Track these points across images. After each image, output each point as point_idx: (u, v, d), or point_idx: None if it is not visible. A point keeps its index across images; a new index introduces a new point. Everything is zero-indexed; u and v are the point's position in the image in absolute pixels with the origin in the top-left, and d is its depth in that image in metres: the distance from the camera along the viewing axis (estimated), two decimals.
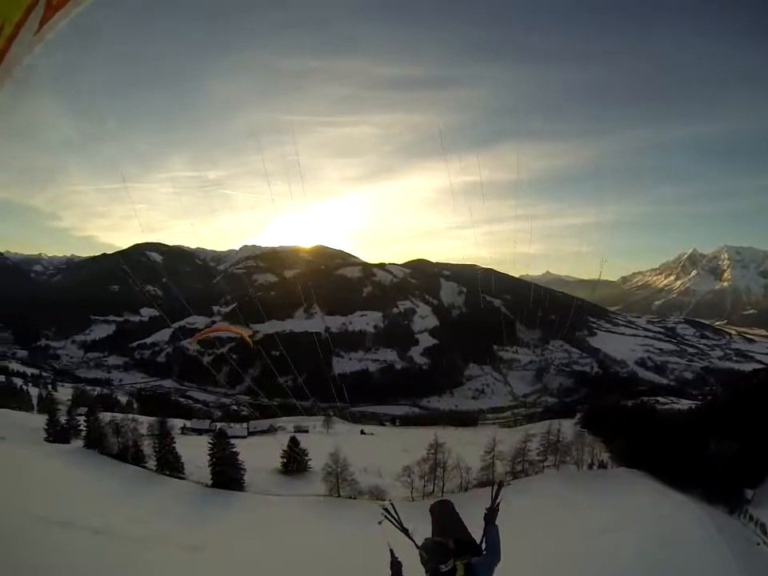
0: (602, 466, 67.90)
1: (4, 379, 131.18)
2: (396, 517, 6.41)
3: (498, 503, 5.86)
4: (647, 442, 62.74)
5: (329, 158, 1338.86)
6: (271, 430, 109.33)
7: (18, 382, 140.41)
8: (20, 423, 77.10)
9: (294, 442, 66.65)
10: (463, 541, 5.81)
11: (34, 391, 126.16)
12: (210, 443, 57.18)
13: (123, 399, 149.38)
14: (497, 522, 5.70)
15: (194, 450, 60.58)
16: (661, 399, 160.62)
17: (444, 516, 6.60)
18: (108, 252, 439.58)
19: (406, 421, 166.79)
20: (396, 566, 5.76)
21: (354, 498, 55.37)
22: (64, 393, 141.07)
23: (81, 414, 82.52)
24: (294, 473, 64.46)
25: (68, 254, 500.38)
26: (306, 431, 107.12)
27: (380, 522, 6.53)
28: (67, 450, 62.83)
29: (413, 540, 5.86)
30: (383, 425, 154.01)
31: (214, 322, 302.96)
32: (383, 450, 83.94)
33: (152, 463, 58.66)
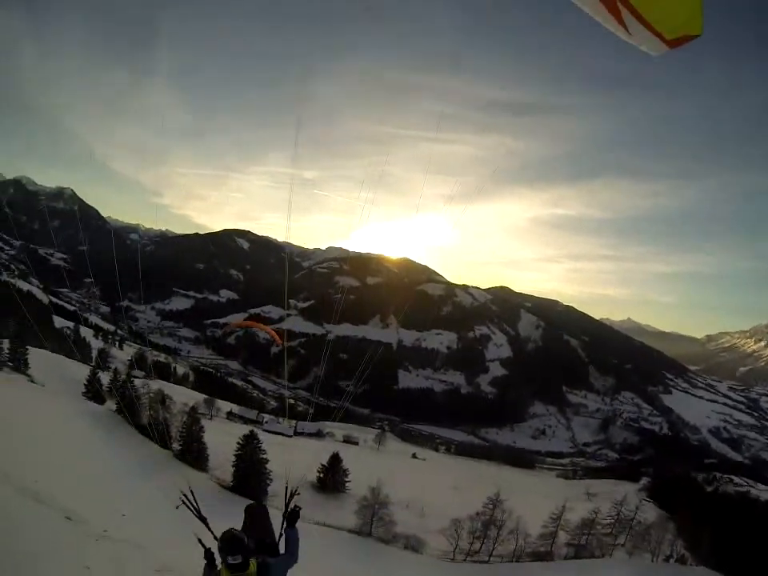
0: (681, 560, 55.79)
1: (72, 326, 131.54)
2: (195, 505, 6.20)
3: (297, 509, 6.01)
4: (731, 537, 52.70)
5: (423, 173, 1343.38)
6: (319, 435, 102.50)
7: (89, 333, 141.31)
8: (69, 373, 74.52)
9: (335, 458, 59.01)
10: (265, 543, 5.92)
11: (97, 344, 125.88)
12: (238, 443, 50.49)
13: (181, 371, 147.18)
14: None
15: (230, 440, 54.54)
16: (735, 479, 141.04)
17: (256, 517, 6.67)
18: (200, 232, 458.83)
19: (462, 449, 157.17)
20: (209, 554, 5.56)
21: (386, 543, 46.76)
22: (128, 352, 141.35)
23: (136, 377, 79.72)
24: (328, 491, 56.92)
25: (163, 229, 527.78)
26: (356, 443, 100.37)
27: (177, 507, 6.36)
28: (96, 411, 58.29)
29: (211, 530, 5.68)
30: (437, 450, 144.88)
31: (289, 315, 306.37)
32: (432, 483, 75.51)
33: (177, 446, 52.67)
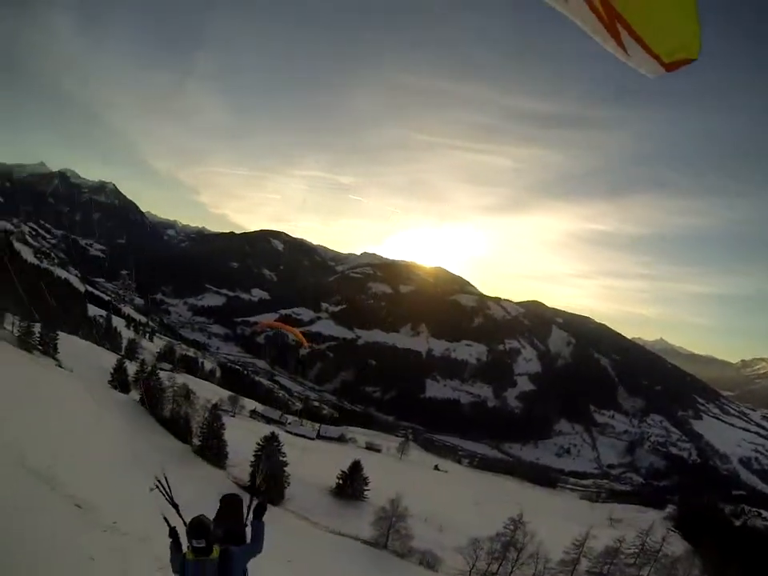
0: None
1: (105, 314, 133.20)
2: (168, 490, 6.36)
3: (264, 503, 6.20)
4: (760, 574, 50.96)
5: (459, 183, 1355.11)
6: (342, 439, 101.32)
7: (121, 323, 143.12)
8: (97, 361, 74.93)
9: (356, 465, 57.74)
10: (233, 532, 6.14)
11: (129, 334, 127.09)
12: (258, 443, 49.43)
13: (208, 366, 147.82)
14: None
15: (251, 439, 53.66)
16: (765, 513, 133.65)
17: (229, 508, 6.70)
18: (236, 231, 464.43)
19: (484, 463, 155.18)
20: (173, 533, 5.74)
21: (401, 557, 44.82)
22: (158, 344, 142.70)
23: (163, 369, 79.92)
24: (346, 498, 55.55)
25: (200, 226, 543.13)
26: (379, 451, 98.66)
27: (151, 490, 6.46)
28: (119, 400, 58.15)
29: (181, 516, 5.93)
30: (459, 462, 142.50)
31: (319, 318, 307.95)
32: (453, 496, 73.73)
33: (196, 441, 52.04)
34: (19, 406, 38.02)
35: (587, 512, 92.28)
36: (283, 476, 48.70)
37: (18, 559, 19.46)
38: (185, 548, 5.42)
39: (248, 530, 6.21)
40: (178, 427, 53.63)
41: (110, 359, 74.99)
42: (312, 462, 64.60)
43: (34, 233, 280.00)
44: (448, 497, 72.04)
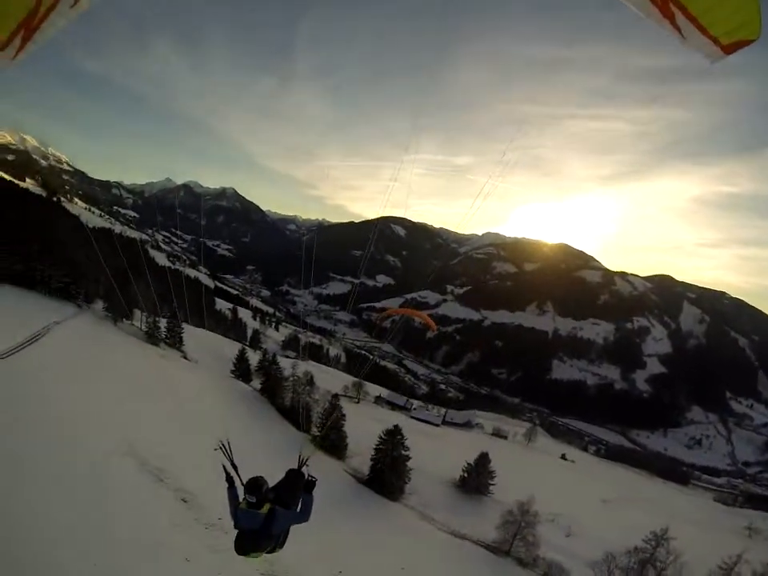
0: None
1: (231, 307, 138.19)
2: (230, 454, 7.00)
3: (313, 479, 7.08)
4: None
5: (576, 153, 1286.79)
6: (468, 425, 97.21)
7: (247, 315, 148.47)
8: (222, 352, 76.43)
9: (483, 458, 53.35)
10: (281, 498, 6.84)
11: (254, 325, 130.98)
12: (380, 437, 46.45)
13: (333, 352, 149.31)
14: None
15: (374, 427, 51.61)
16: None
17: (290, 480, 7.45)
18: (355, 221, 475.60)
19: (611, 452, 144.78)
20: (229, 478, 6.64)
21: (524, 566, 39.29)
22: (283, 333, 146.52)
23: (287, 356, 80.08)
24: (470, 492, 51.81)
25: (320, 218, 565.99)
26: (505, 437, 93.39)
27: (215, 449, 7.35)
28: (240, 390, 58.55)
29: (239, 476, 6.60)
30: (586, 450, 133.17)
31: (445, 300, 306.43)
32: (580, 492, 67.55)
33: (316, 431, 50.51)
34: (138, 397, 38.12)
35: (723, 518, 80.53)
36: (405, 470, 45.53)
37: (114, 551, 18.15)
38: (241, 499, 6.29)
39: (301, 501, 6.91)
40: (297, 417, 52.49)
41: (234, 350, 76.07)
42: (436, 450, 61.69)
43: (167, 240, 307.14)
44: (575, 493, 66.00)
